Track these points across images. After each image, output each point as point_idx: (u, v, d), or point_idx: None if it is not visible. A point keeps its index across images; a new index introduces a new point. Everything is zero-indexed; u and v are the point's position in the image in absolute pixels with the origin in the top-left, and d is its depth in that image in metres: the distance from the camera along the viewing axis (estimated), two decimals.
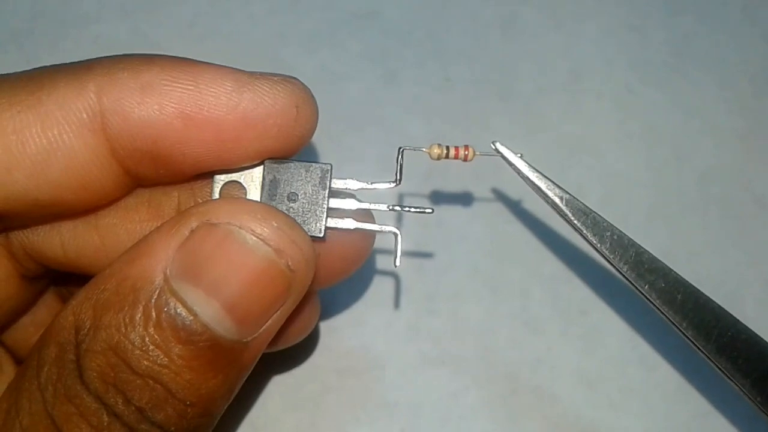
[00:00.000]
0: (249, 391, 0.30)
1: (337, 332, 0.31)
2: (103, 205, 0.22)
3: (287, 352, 0.28)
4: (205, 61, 0.21)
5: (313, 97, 0.22)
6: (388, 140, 0.33)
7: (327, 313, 0.31)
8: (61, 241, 0.23)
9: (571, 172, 0.33)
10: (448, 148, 0.23)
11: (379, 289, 0.31)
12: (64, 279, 0.26)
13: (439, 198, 0.33)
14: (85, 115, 0.20)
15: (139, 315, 0.19)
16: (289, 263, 0.20)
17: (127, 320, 0.19)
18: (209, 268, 0.19)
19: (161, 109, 0.20)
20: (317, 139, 0.33)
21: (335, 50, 0.35)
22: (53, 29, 0.35)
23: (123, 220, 0.23)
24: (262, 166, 0.22)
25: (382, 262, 0.32)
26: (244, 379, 0.21)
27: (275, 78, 0.21)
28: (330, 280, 0.25)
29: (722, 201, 0.33)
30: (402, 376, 0.30)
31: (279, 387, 0.30)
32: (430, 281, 0.31)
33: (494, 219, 0.32)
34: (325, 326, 0.31)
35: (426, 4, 0.36)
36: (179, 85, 0.20)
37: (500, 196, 0.33)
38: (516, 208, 0.32)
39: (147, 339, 0.19)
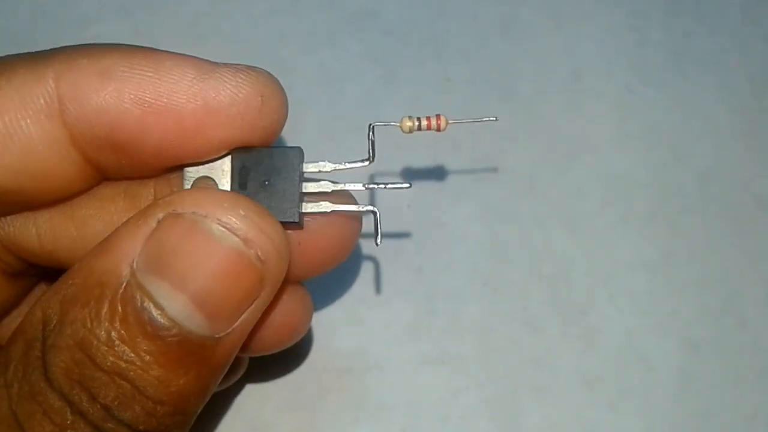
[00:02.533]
0: (247, 392, 0.30)
1: (335, 332, 0.31)
2: (69, 195, 0.22)
3: (285, 353, 0.28)
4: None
5: (280, 87, 0.21)
6: (389, 140, 0.33)
7: (325, 313, 0.31)
8: (37, 233, 0.22)
9: (571, 172, 0.33)
10: (419, 119, 0.23)
11: (378, 288, 0.31)
12: (53, 278, 0.25)
13: (438, 198, 0.33)
14: (42, 101, 0.20)
15: (105, 309, 0.19)
16: (259, 254, 0.20)
17: (92, 315, 0.18)
18: (175, 260, 0.19)
19: (119, 95, 0.20)
20: (317, 138, 0.33)
21: (335, 50, 0.35)
22: (53, 29, 0.35)
23: (99, 211, 0.22)
24: (230, 156, 0.22)
25: (380, 261, 0.32)
26: (220, 378, 0.21)
27: (239, 67, 0.21)
28: (318, 268, 0.24)
29: (722, 201, 0.33)
30: (402, 376, 0.30)
31: (277, 388, 0.30)
32: (430, 281, 0.31)
33: (494, 219, 0.32)
34: (323, 326, 0.31)
35: (426, 4, 0.36)
36: (138, 72, 0.20)
37: (500, 196, 0.33)
38: (516, 207, 0.32)
39: (113, 334, 0.18)
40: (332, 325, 0.31)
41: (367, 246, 0.32)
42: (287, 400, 0.30)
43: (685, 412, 0.30)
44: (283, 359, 0.30)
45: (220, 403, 0.30)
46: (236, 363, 0.27)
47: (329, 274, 0.31)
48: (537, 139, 0.33)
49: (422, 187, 0.33)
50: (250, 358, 0.28)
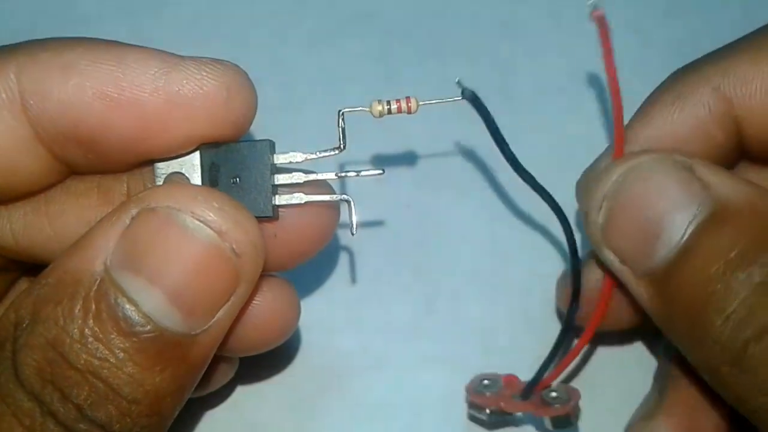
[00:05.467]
0: (247, 392, 0.30)
1: (335, 332, 0.31)
2: (39, 190, 0.22)
3: (284, 353, 0.28)
4: None
5: (248, 81, 0.21)
6: (388, 140, 0.33)
7: (325, 313, 0.31)
8: (11, 230, 0.22)
9: (571, 172, 0.33)
10: (389, 102, 0.23)
11: (378, 288, 0.31)
12: (34, 273, 0.25)
13: (438, 198, 0.33)
14: (4, 96, 0.20)
15: (78, 307, 0.18)
16: (234, 247, 0.19)
17: (65, 313, 0.18)
18: (149, 254, 0.19)
19: (81, 89, 0.20)
20: (317, 138, 0.33)
21: (335, 50, 0.35)
22: (53, 29, 0.35)
23: (73, 207, 0.22)
24: (198, 152, 0.21)
25: (380, 262, 0.32)
26: (197, 377, 0.20)
27: (204, 60, 0.20)
28: (296, 259, 0.24)
29: None
30: (402, 375, 0.30)
31: (277, 388, 0.30)
32: (430, 281, 0.31)
33: (494, 218, 0.32)
34: (323, 326, 0.31)
35: (426, 4, 0.36)
36: (101, 66, 0.20)
37: (500, 196, 0.33)
38: (516, 207, 0.32)
39: (86, 331, 0.18)
40: (332, 326, 0.31)
41: (366, 246, 0.32)
42: (287, 401, 0.30)
43: None
44: (282, 359, 0.30)
45: (219, 402, 0.30)
46: (225, 364, 0.26)
47: (329, 273, 0.31)
48: (537, 139, 0.33)
49: (422, 186, 0.33)
50: (249, 359, 0.28)
